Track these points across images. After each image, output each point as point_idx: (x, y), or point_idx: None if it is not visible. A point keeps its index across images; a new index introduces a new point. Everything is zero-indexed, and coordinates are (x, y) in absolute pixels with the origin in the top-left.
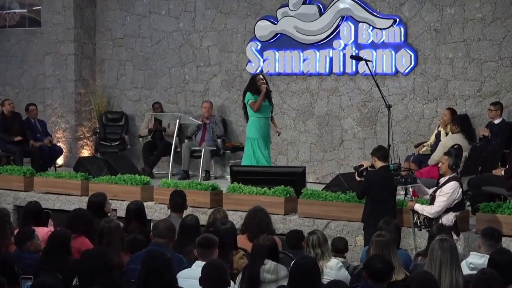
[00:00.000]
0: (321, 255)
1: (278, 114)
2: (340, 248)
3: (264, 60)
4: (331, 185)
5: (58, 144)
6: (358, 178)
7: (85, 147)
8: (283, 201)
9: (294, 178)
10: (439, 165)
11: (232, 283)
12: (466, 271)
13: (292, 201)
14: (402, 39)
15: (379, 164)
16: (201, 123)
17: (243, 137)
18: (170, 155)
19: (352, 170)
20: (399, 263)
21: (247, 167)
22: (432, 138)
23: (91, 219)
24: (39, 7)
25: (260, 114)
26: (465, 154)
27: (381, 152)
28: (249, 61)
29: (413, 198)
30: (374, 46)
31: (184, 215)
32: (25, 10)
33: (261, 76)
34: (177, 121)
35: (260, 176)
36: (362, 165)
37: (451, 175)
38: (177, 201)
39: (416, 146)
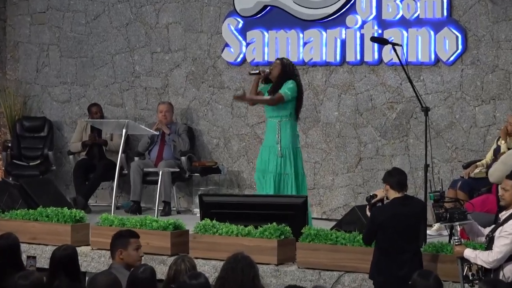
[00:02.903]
0: None
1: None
2: None
3: (247, 44)
4: (345, 223)
5: None
6: (369, 214)
7: None
8: (276, 246)
9: (292, 213)
10: (500, 193)
11: None
12: None
13: (288, 245)
14: (445, 13)
15: (392, 194)
16: (157, 133)
17: (217, 153)
18: (113, 179)
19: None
20: None
21: (223, 197)
22: (489, 156)
23: None
24: None
25: (266, 111)
26: None
27: (396, 178)
28: (227, 45)
29: (462, 241)
30: (405, 23)
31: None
32: None
33: (276, 61)
34: (124, 130)
35: (242, 210)
36: (375, 195)
37: None
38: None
39: (465, 167)
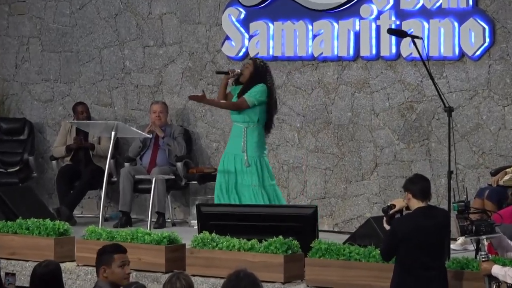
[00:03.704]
0: None
1: (275, 121)
2: None
3: (250, 37)
4: (359, 236)
5: None
6: (387, 227)
7: None
8: (282, 262)
9: (300, 225)
10: None
11: None
12: None
13: (296, 261)
14: (470, 2)
15: (414, 204)
16: (150, 136)
17: (216, 158)
18: (101, 187)
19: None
20: None
21: (224, 207)
22: None
23: None
24: None
25: (231, 114)
26: None
27: (419, 186)
28: (227, 37)
29: (490, 256)
30: (425, 13)
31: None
32: None
33: (249, 61)
34: (113, 133)
35: (245, 221)
36: (393, 206)
37: None
38: None
39: (494, 174)
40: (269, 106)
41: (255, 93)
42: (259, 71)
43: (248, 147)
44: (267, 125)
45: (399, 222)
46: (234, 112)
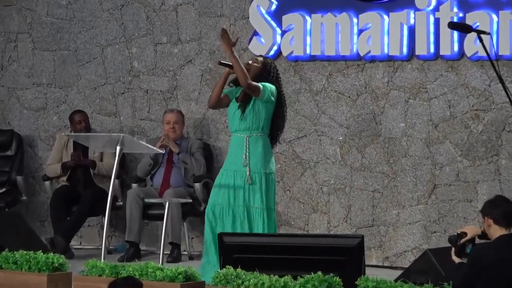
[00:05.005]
0: None
1: (312, 134)
2: None
3: (283, 32)
4: (414, 271)
5: None
6: (456, 259)
7: None
8: None
9: (343, 258)
10: None
11: None
12: None
13: None
14: None
15: (496, 231)
16: (162, 151)
17: None
18: (104, 213)
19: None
20: None
21: (251, 237)
22: None
23: None
24: None
25: (230, 124)
26: None
27: (502, 209)
28: (256, 33)
29: None
30: (494, 4)
31: None
32: None
33: (259, 58)
34: (118, 148)
35: (276, 254)
36: (464, 234)
37: None
38: None
39: None
40: (276, 116)
41: (268, 87)
42: (269, 73)
43: (251, 160)
44: (271, 139)
45: (477, 253)
46: (235, 120)
